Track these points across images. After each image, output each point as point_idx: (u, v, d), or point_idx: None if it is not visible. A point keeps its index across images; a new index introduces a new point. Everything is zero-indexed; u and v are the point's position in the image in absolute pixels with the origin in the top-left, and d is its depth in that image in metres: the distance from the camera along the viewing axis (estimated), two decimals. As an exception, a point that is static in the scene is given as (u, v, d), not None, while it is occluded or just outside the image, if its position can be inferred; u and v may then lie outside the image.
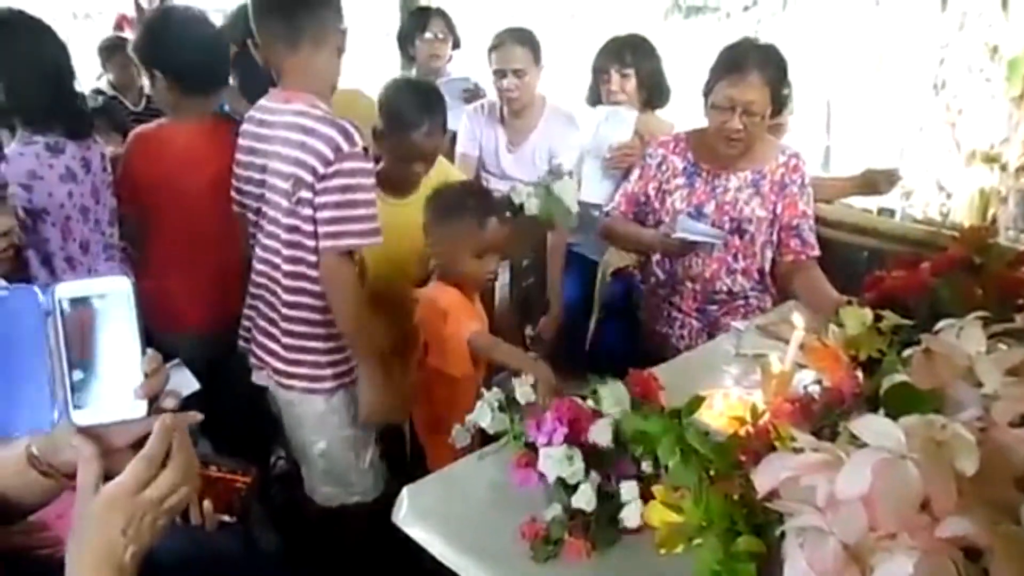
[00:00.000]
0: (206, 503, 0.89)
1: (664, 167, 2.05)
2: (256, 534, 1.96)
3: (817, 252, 1.96)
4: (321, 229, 1.55)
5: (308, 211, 1.56)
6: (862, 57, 3.62)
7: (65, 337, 0.69)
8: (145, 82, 3.47)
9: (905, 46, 3.41)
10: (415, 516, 1.13)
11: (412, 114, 1.79)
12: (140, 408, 0.72)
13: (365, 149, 1.58)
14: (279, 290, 1.66)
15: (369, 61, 3.31)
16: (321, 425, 1.74)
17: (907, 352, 0.94)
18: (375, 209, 1.58)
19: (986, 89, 2.98)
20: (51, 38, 1.76)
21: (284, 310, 1.66)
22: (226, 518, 0.92)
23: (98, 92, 3.34)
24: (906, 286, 1.19)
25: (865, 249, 2.12)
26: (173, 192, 1.87)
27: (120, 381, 0.71)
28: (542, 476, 1.10)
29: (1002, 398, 0.77)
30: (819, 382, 1.18)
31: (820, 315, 1.72)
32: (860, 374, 1.11)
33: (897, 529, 0.64)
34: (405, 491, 1.17)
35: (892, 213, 2.25)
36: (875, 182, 2.18)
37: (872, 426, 0.70)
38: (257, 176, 1.69)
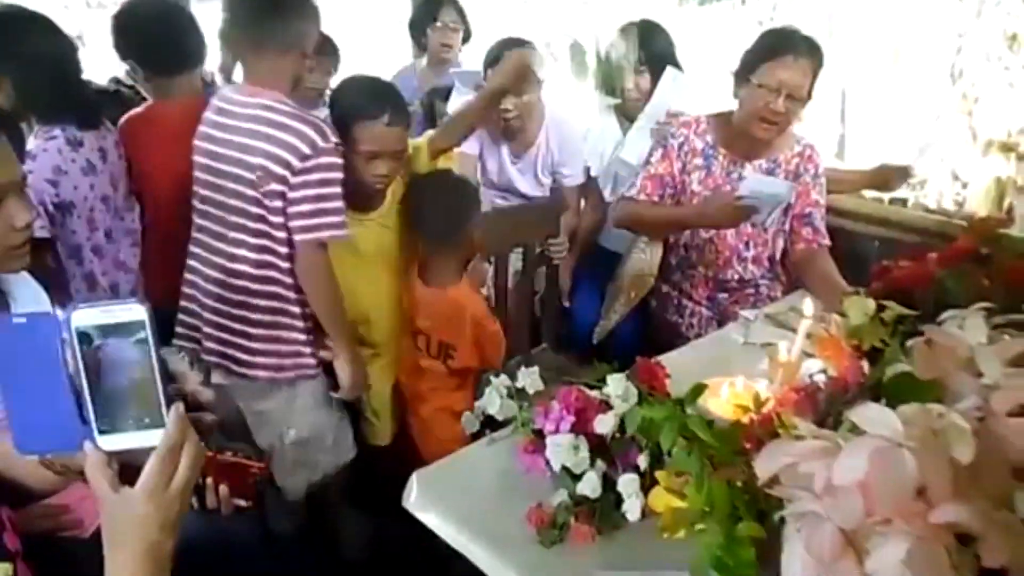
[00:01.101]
0: (222, 488, 0.91)
1: (685, 148, 2.05)
2: (270, 519, 2.00)
3: (828, 241, 1.96)
4: (299, 223, 1.59)
5: (278, 203, 1.59)
6: (878, 45, 3.58)
7: (84, 363, 0.69)
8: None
9: (922, 34, 3.37)
10: (425, 501, 1.16)
11: (371, 103, 1.71)
12: (159, 436, 0.72)
13: (337, 145, 1.62)
14: (243, 281, 1.66)
15: (381, 48, 3.31)
16: (291, 413, 1.76)
17: (910, 342, 0.95)
18: (343, 204, 1.63)
19: (1004, 78, 2.95)
20: (55, 33, 1.78)
21: (253, 300, 1.67)
22: (242, 503, 0.94)
23: (117, 81, 3.37)
24: (912, 277, 1.19)
25: (876, 239, 2.11)
26: (167, 172, 1.86)
27: (141, 406, 0.71)
28: (548, 463, 1.12)
29: (1002, 388, 0.78)
30: (825, 371, 1.18)
31: (829, 304, 1.73)
32: (866, 364, 1.12)
33: (892, 515, 0.65)
34: (415, 476, 1.19)
35: (904, 203, 2.24)
36: (887, 178, 2.18)
37: (870, 415, 0.71)
38: (214, 164, 1.67)
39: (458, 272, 1.89)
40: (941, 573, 0.62)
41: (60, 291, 1.63)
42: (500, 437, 1.25)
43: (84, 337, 0.68)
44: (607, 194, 2.46)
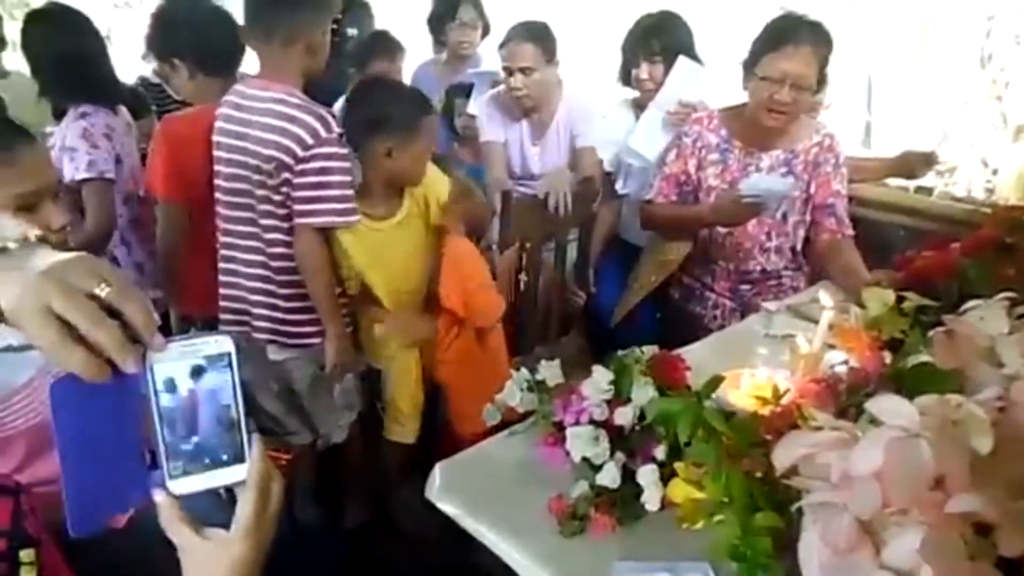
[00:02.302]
0: None
1: (699, 143, 2.04)
2: (298, 509, 2.04)
3: (851, 231, 1.94)
4: (297, 207, 1.68)
5: (288, 189, 1.69)
6: (905, 30, 3.52)
7: (158, 405, 0.63)
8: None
9: (950, 17, 3.31)
10: (447, 491, 1.17)
11: (424, 101, 1.80)
12: (240, 472, 0.67)
13: (340, 135, 1.69)
14: (283, 262, 1.76)
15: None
16: (307, 377, 1.87)
17: (932, 332, 0.94)
18: (351, 191, 1.71)
19: (1034, 62, 2.88)
20: (88, 28, 1.83)
21: (295, 276, 1.76)
22: None
23: (144, 80, 3.42)
24: (935, 266, 1.18)
25: (902, 228, 2.09)
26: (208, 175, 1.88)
27: (220, 444, 0.66)
28: (569, 455, 1.13)
29: (1022, 378, 0.78)
30: (846, 362, 1.18)
31: (853, 295, 1.72)
32: (888, 354, 1.11)
33: (909, 505, 0.66)
34: (437, 467, 1.20)
35: (930, 192, 2.20)
36: (912, 164, 2.15)
37: (887, 405, 0.71)
38: (238, 157, 1.72)
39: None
40: (958, 563, 0.62)
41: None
42: (521, 429, 1.26)
43: (167, 383, 0.63)
44: (619, 186, 2.45)
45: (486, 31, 2.98)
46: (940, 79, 3.34)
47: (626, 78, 2.40)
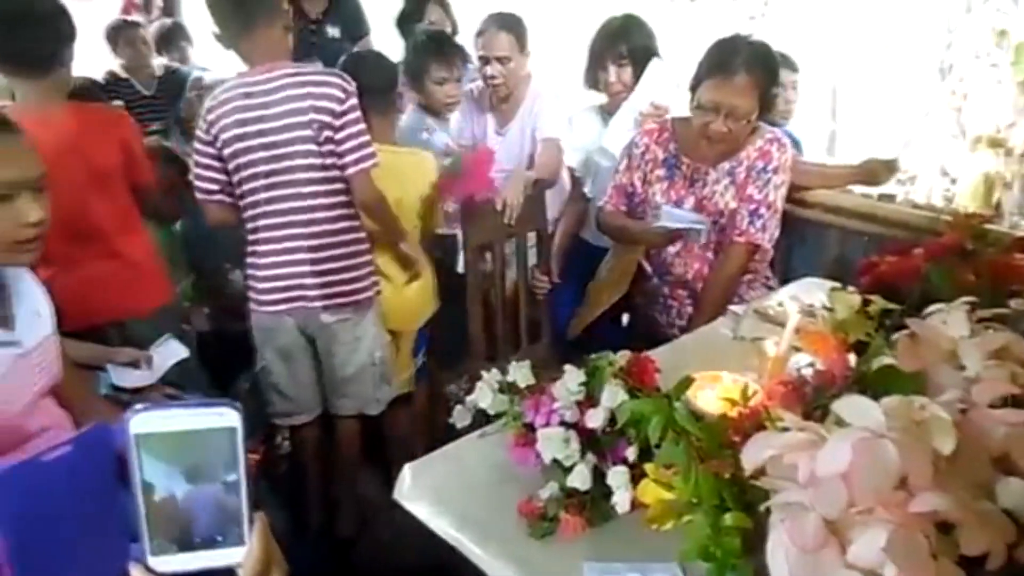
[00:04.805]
0: None
1: (647, 156, 2.05)
2: (263, 510, 2.01)
3: (744, 239, 1.93)
4: (350, 157, 1.84)
5: (331, 147, 1.84)
6: (868, 41, 3.60)
7: (141, 475, 0.56)
8: (155, 63, 3.49)
9: (912, 30, 3.39)
10: (417, 493, 1.17)
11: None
12: (235, 555, 0.60)
13: None
14: (327, 225, 1.89)
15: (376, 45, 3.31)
16: (373, 334, 2.04)
17: (895, 336, 0.96)
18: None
19: (992, 74, 2.97)
20: None
21: (339, 237, 1.92)
22: None
23: (111, 75, 3.37)
24: (899, 271, 1.21)
25: (865, 234, 2.12)
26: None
27: (216, 522, 0.59)
28: (539, 456, 1.13)
29: (983, 380, 0.80)
30: (812, 365, 1.20)
31: (710, 310, 1.86)
32: (852, 357, 1.13)
33: (874, 504, 0.67)
34: (407, 468, 1.20)
35: (892, 199, 2.25)
36: (875, 171, 2.19)
37: (853, 406, 0.73)
38: (262, 141, 1.82)
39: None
40: (921, 561, 0.64)
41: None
42: (491, 431, 1.25)
43: (148, 445, 0.55)
44: (587, 188, 2.46)
45: (454, 31, 2.98)
46: (902, 90, 3.42)
47: (592, 81, 2.40)
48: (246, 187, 1.87)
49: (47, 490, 0.55)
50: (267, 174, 1.85)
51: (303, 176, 1.85)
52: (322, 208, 1.89)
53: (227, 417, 0.57)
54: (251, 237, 1.93)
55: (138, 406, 0.56)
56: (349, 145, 1.83)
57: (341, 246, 1.92)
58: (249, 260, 1.96)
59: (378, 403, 2.12)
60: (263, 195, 1.87)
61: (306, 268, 1.91)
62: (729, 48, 1.85)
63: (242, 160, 1.84)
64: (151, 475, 0.56)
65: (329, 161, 1.85)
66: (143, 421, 0.56)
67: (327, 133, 1.82)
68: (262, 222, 1.90)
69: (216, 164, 1.87)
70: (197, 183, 1.91)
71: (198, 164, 1.90)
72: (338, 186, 1.88)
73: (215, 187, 1.90)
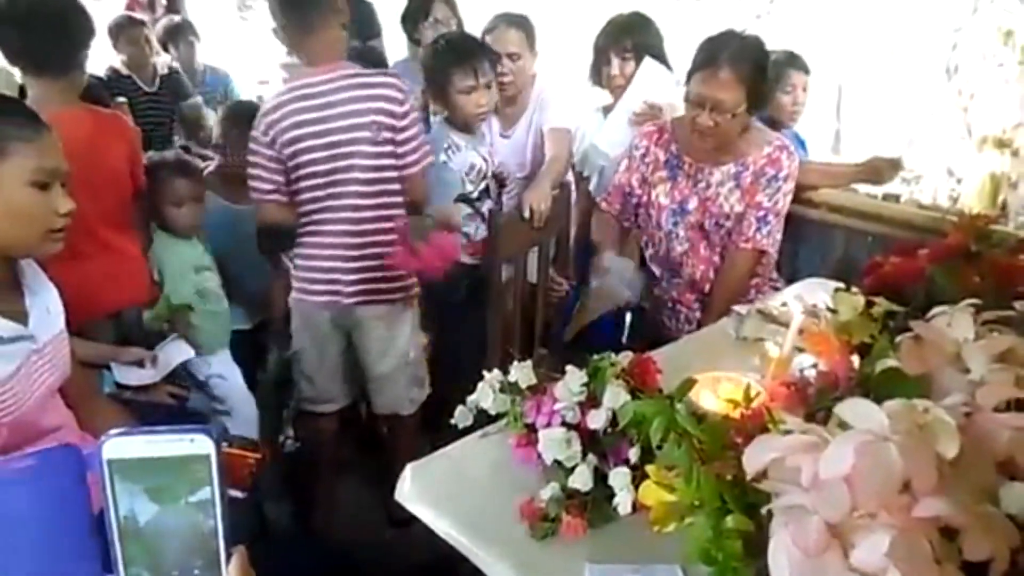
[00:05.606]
0: None
1: (647, 158, 2.04)
2: (267, 509, 2.01)
3: (751, 246, 1.94)
4: (412, 156, 1.92)
5: (390, 147, 1.90)
6: (875, 41, 3.59)
7: (115, 503, 0.54)
8: (158, 61, 3.48)
9: (918, 30, 3.38)
10: (418, 493, 1.16)
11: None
12: None
13: None
14: (375, 224, 1.93)
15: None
16: (410, 332, 2.07)
17: (900, 338, 0.96)
18: None
19: (998, 74, 2.96)
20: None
21: (384, 236, 1.93)
22: (238, 493, 0.94)
23: (113, 71, 3.37)
24: (903, 273, 1.20)
25: (869, 234, 2.11)
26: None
27: (190, 556, 0.57)
28: (541, 457, 1.13)
29: (988, 383, 0.79)
30: (816, 366, 1.19)
31: (718, 310, 1.85)
32: (856, 359, 1.13)
33: (877, 508, 0.66)
34: (408, 469, 1.19)
35: (897, 199, 2.24)
36: (879, 169, 2.18)
37: (856, 409, 0.72)
38: (324, 141, 1.86)
39: None
40: (924, 566, 0.63)
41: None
42: (493, 431, 1.25)
43: (119, 467, 0.54)
44: (592, 186, 2.46)
45: (460, 28, 2.97)
46: (908, 90, 3.42)
47: (596, 77, 2.40)
48: (304, 184, 1.90)
49: (3, 499, 0.54)
50: (327, 172, 1.88)
51: (360, 176, 1.89)
52: (371, 208, 1.92)
53: (200, 444, 0.55)
54: (301, 231, 1.97)
55: (112, 431, 0.54)
56: (412, 145, 1.90)
57: (384, 245, 1.94)
58: (296, 251, 2.02)
59: (411, 403, 2.13)
60: (321, 192, 1.91)
61: (345, 264, 1.95)
62: (717, 43, 1.86)
63: (302, 159, 1.87)
64: (124, 502, 0.55)
65: (382, 162, 1.89)
66: (116, 447, 0.54)
67: (386, 134, 1.87)
68: (315, 217, 1.94)
69: (272, 165, 1.89)
70: (252, 183, 1.93)
71: (254, 165, 1.91)
72: (386, 186, 1.92)
73: (271, 187, 1.91)
